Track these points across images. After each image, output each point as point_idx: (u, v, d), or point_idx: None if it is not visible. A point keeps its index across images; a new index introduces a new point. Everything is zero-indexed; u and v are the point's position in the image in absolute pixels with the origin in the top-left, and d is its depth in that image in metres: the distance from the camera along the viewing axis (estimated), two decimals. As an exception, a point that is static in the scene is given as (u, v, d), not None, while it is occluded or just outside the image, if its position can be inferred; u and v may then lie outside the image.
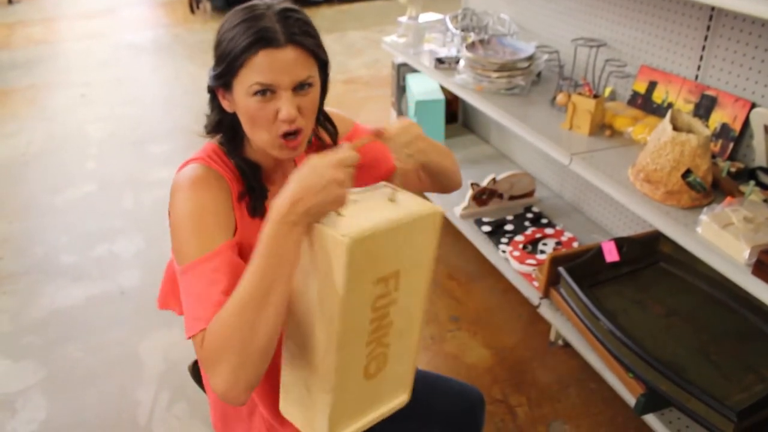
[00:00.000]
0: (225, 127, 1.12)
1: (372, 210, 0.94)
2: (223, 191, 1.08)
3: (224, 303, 0.93)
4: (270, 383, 1.26)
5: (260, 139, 1.07)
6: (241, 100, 1.03)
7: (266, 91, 1.01)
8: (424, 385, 1.35)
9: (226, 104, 1.08)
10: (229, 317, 0.89)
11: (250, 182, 1.12)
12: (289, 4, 1.04)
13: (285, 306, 0.91)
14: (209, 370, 0.91)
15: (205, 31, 6.54)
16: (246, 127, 1.07)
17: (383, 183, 1.04)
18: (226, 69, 1.02)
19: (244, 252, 1.09)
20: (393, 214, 0.94)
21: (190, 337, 0.97)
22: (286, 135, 1.05)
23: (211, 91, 1.10)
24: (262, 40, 0.98)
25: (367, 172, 1.28)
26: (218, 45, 1.04)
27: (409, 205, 0.98)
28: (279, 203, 0.88)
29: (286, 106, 1.02)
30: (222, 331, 0.90)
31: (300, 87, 1.03)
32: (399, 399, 1.13)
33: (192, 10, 7.46)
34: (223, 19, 1.05)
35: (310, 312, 0.95)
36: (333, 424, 1.00)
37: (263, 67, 0.99)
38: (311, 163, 0.89)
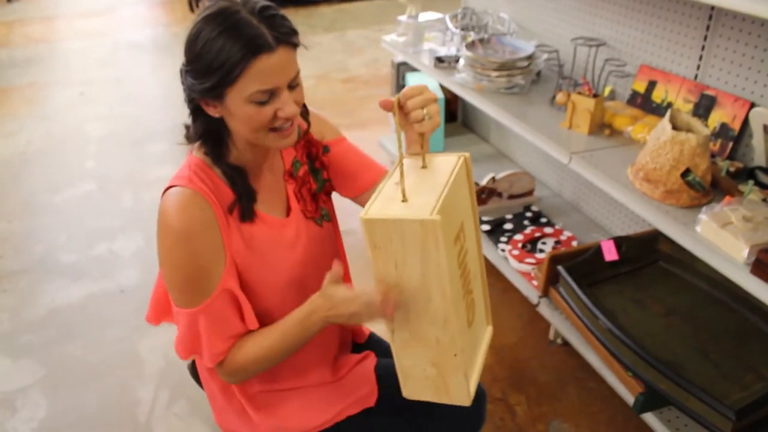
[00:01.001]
0: (210, 134, 1.12)
1: (421, 184, 0.99)
2: (210, 214, 1.09)
3: (238, 335, 1.15)
4: (276, 385, 1.27)
5: (255, 137, 1.07)
6: (237, 107, 1.02)
7: (267, 96, 1.02)
8: None
9: (211, 111, 1.07)
10: (256, 354, 1.14)
11: (239, 189, 1.12)
12: (264, 2, 1.02)
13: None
14: (224, 377, 1.19)
15: (205, 29, 6.52)
16: (240, 129, 1.07)
17: (403, 154, 1.04)
18: (220, 81, 1.00)
19: (235, 256, 1.13)
20: (439, 178, 0.99)
21: (212, 366, 1.16)
22: (281, 127, 1.07)
23: (193, 101, 1.08)
24: (256, 48, 0.97)
25: (352, 181, 1.30)
26: (199, 56, 1.00)
27: (440, 163, 1.04)
28: (321, 305, 1.06)
29: (288, 106, 1.03)
30: (246, 361, 1.14)
31: (293, 82, 1.05)
32: (488, 331, 1.21)
33: (191, 9, 7.46)
34: (192, 29, 1.01)
35: (418, 295, 0.99)
36: (468, 379, 1.06)
37: (262, 74, 0.99)
38: (363, 296, 0.99)
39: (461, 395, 1.07)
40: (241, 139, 1.11)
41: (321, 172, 1.31)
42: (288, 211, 1.23)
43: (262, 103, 1.02)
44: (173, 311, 1.14)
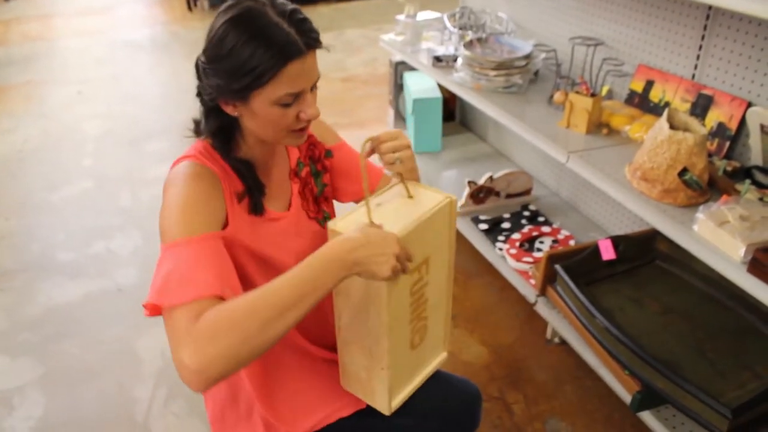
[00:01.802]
0: (222, 131, 1.12)
1: (397, 211, 1.07)
2: (215, 188, 1.09)
3: (211, 285, 0.93)
4: (270, 381, 1.27)
5: (275, 137, 1.09)
6: (262, 109, 1.03)
7: (292, 99, 1.03)
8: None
9: (230, 109, 1.08)
10: (248, 308, 0.88)
11: (248, 182, 1.13)
12: (290, 5, 1.03)
13: (293, 326, 0.90)
14: (196, 343, 0.86)
15: (203, 28, 6.41)
16: (260, 129, 1.08)
17: (394, 181, 1.15)
18: (250, 84, 1.00)
19: (235, 246, 1.11)
20: (416, 211, 1.06)
21: (172, 307, 0.91)
22: (301, 128, 1.09)
23: (212, 98, 1.07)
24: (290, 54, 0.98)
25: (353, 184, 1.34)
26: (227, 58, 0.99)
27: (425, 198, 1.11)
28: (340, 241, 0.93)
29: (311, 108, 1.06)
30: (235, 315, 0.87)
31: (315, 83, 1.07)
32: (440, 356, 1.29)
33: (189, 8, 7.46)
34: (218, 31, 1.01)
35: (361, 307, 1.07)
36: (391, 393, 1.15)
37: (292, 79, 1.00)
38: (387, 233, 0.95)
39: (383, 405, 1.17)
40: (252, 137, 1.12)
41: (321, 176, 1.32)
42: (289, 206, 1.24)
43: (286, 106, 1.03)
44: (157, 264, 1.02)
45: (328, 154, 1.33)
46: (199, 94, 1.12)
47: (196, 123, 1.16)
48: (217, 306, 0.89)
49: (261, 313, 0.87)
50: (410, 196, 1.12)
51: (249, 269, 1.16)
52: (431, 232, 1.09)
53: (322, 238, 1.26)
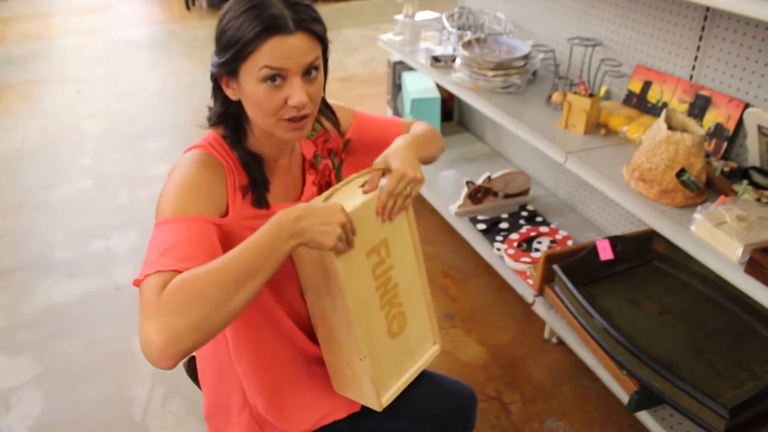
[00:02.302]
0: (229, 117, 1.13)
1: (350, 196, 1.09)
2: (219, 175, 1.10)
3: (189, 259, 0.93)
4: (266, 380, 1.26)
5: (266, 123, 1.08)
6: (249, 86, 1.04)
7: (276, 77, 1.02)
8: (416, 384, 1.36)
9: (230, 92, 1.09)
10: (210, 277, 0.88)
11: (254, 175, 1.13)
12: None
13: (251, 299, 0.91)
14: (160, 315, 0.84)
15: (201, 27, 6.53)
16: (252, 113, 1.08)
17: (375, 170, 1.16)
18: (235, 55, 1.02)
19: (235, 238, 1.09)
20: (366, 195, 1.10)
21: (145, 276, 0.90)
22: (293, 118, 1.07)
23: (215, 80, 1.11)
24: (273, 27, 0.99)
25: (370, 152, 1.33)
26: (223, 33, 1.04)
27: (380, 183, 1.13)
28: (285, 212, 0.97)
29: (297, 93, 1.04)
30: (198, 286, 0.87)
31: (308, 72, 1.05)
32: (432, 349, 1.29)
33: (188, 7, 7.45)
34: (223, 9, 1.05)
35: (324, 298, 1.09)
36: (377, 385, 1.14)
37: (274, 52, 1.00)
38: (330, 202, 1.01)
39: (371, 400, 1.16)
40: (258, 127, 1.12)
41: (341, 169, 1.32)
42: (299, 197, 1.23)
43: (272, 84, 1.03)
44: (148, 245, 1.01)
45: (346, 144, 1.33)
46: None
47: (210, 110, 1.17)
48: (179, 276, 0.88)
49: (224, 282, 0.88)
50: (362, 186, 1.14)
51: None
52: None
53: None
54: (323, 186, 1.28)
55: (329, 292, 1.07)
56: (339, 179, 1.31)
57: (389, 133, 1.35)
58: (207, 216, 1.03)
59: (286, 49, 1.01)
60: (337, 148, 1.32)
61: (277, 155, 1.19)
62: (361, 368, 1.13)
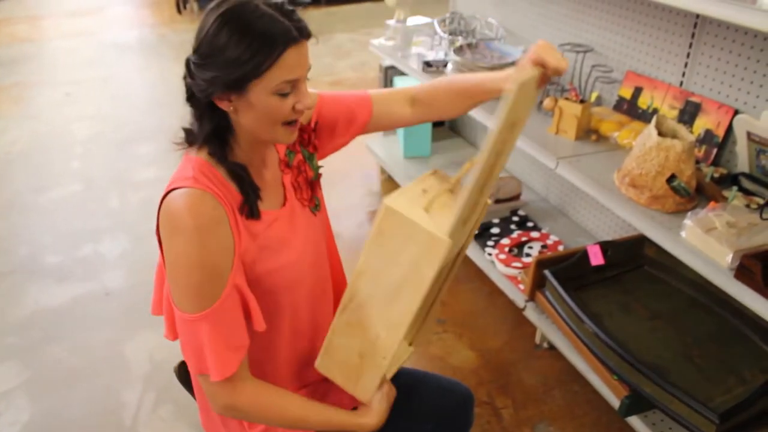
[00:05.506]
0: (217, 133, 1.09)
1: (446, 205, 1.06)
2: (222, 221, 1.05)
3: (237, 348, 1.09)
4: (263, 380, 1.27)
5: (267, 131, 1.07)
6: (260, 98, 1.02)
7: (290, 87, 1.03)
8: (414, 382, 1.36)
9: (225, 105, 1.04)
10: (279, 413, 1.15)
11: (246, 187, 1.11)
12: None
13: None
14: (222, 400, 1.11)
15: (192, 31, 6.36)
16: (255, 123, 1.06)
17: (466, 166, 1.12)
18: (249, 73, 0.99)
19: (244, 255, 1.10)
20: (457, 200, 1.03)
21: (221, 380, 1.07)
22: (292, 121, 1.08)
23: (206, 96, 1.04)
24: (286, 41, 0.99)
25: (348, 126, 1.34)
26: (222, 50, 0.98)
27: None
28: (372, 422, 1.18)
29: (306, 97, 1.06)
30: (267, 414, 1.15)
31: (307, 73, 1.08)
32: (409, 351, 1.26)
33: (179, 10, 7.44)
34: (210, 23, 1.00)
35: (385, 294, 1.04)
36: (381, 383, 1.15)
37: (289, 65, 1.01)
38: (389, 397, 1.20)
39: (366, 393, 1.16)
40: (245, 136, 1.10)
41: (314, 158, 1.30)
42: (284, 201, 1.22)
43: (284, 95, 1.03)
44: (176, 320, 1.09)
45: (315, 127, 1.30)
46: (190, 97, 1.07)
47: (188, 131, 1.11)
48: (257, 398, 1.13)
49: (286, 422, 1.16)
50: (452, 191, 1.11)
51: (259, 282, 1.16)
52: (464, 229, 1.11)
53: (313, 227, 1.25)
54: (300, 182, 1.25)
55: (397, 292, 1.03)
56: (314, 170, 1.29)
57: (356, 104, 1.33)
58: (227, 284, 1.05)
59: (300, 59, 1.03)
60: (308, 137, 1.29)
61: (260, 162, 1.17)
62: (376, 364, 1.10)
